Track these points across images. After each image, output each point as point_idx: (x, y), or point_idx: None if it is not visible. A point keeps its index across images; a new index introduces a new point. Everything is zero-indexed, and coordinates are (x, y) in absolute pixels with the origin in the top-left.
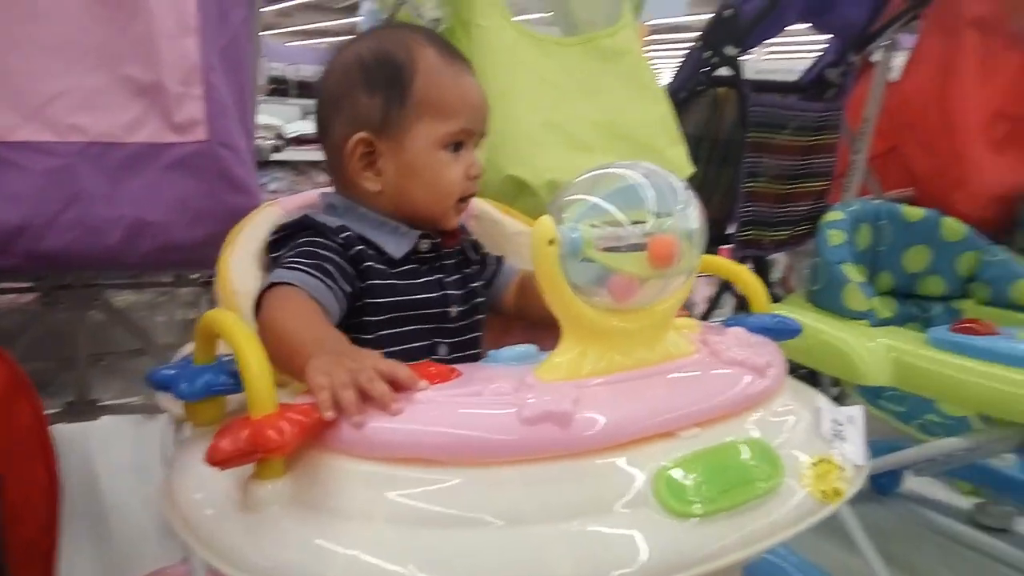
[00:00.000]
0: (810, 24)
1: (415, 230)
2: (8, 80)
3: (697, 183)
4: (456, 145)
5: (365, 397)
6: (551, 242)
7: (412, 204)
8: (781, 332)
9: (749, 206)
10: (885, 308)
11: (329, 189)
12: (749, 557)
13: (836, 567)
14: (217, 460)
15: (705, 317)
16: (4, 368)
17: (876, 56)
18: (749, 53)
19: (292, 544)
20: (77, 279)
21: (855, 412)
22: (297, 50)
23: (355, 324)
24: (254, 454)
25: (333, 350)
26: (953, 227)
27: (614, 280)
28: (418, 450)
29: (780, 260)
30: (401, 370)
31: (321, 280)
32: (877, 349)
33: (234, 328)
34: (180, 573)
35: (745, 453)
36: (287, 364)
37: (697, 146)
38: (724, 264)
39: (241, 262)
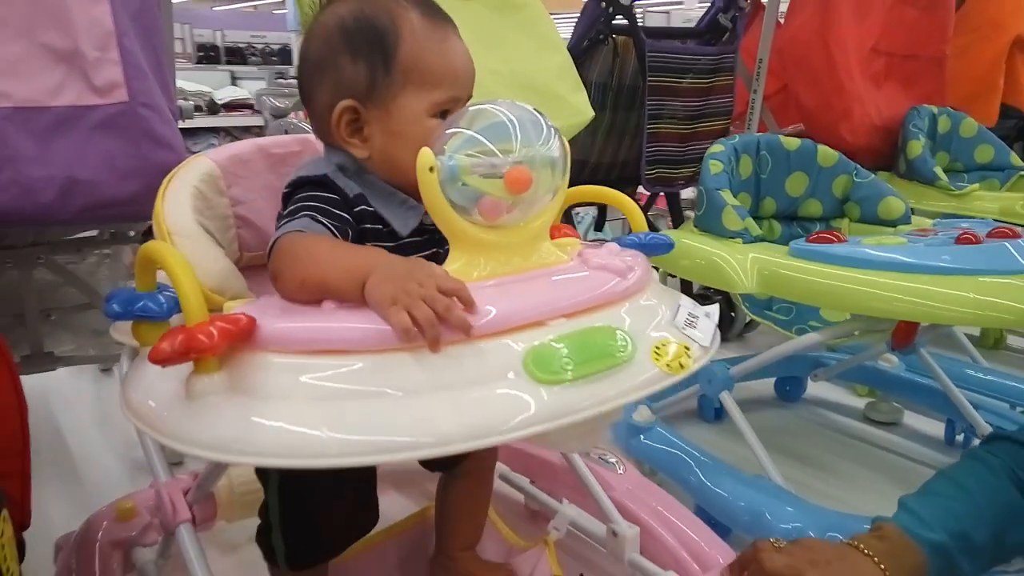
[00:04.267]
0: None
1: (421, 204)
2: None
3: (607, 128)
4: (444, 113)
5: (441, 319)
6: (431, 169)
7: (402, 172)
8: (653, 247)
9: (655, 146)
10: (771, 230)
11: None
12: (605, 413)
13: (732, 459)
14: (158, 359)
15: None
16: None
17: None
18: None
19: (228, 422)
20: (19, 239)
21: (712, 309)
22: (223, 15)
23: None
24: (188, 354)
25: (392, 266)
26: (827, 154)
27: (483, 202)
28: (327, 344)
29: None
30: (464, 290)
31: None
32: (746, 261)
33: (166, 254)
34: (149, 496)
35: (605, 333)
36: (330, 286)
37: (603, 93)
38: (606, 192)
39: (175, 207)
